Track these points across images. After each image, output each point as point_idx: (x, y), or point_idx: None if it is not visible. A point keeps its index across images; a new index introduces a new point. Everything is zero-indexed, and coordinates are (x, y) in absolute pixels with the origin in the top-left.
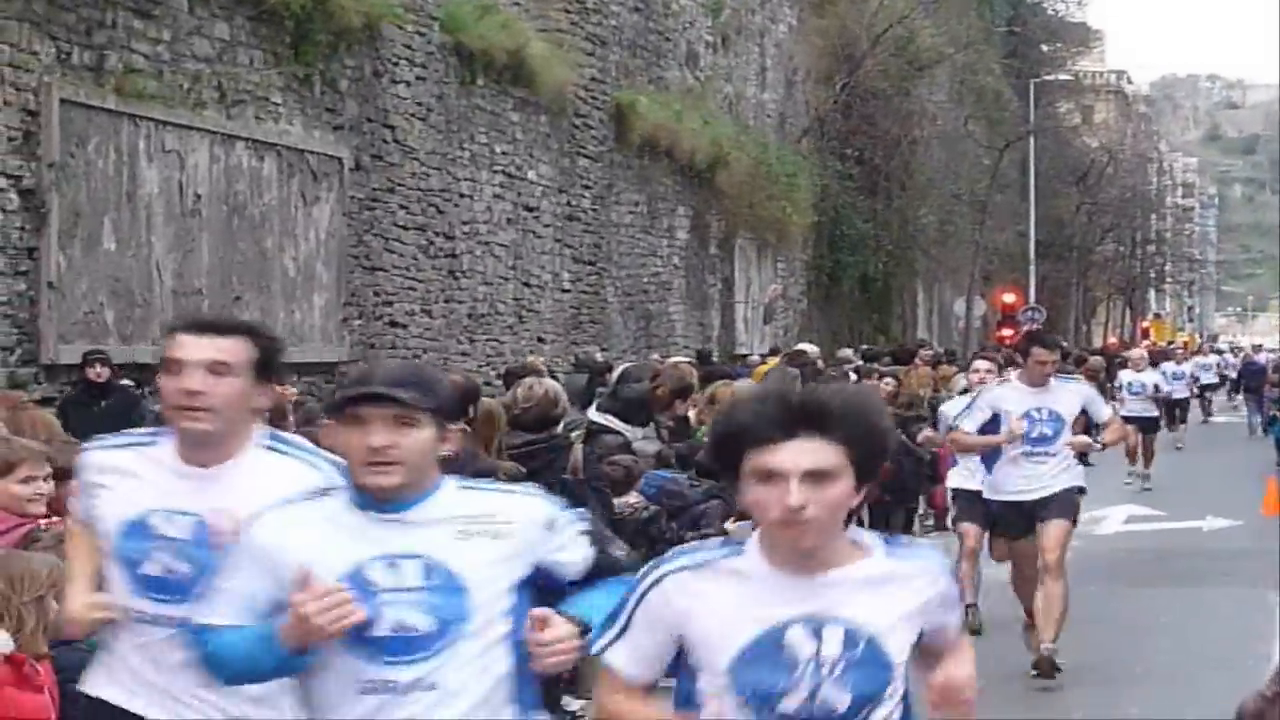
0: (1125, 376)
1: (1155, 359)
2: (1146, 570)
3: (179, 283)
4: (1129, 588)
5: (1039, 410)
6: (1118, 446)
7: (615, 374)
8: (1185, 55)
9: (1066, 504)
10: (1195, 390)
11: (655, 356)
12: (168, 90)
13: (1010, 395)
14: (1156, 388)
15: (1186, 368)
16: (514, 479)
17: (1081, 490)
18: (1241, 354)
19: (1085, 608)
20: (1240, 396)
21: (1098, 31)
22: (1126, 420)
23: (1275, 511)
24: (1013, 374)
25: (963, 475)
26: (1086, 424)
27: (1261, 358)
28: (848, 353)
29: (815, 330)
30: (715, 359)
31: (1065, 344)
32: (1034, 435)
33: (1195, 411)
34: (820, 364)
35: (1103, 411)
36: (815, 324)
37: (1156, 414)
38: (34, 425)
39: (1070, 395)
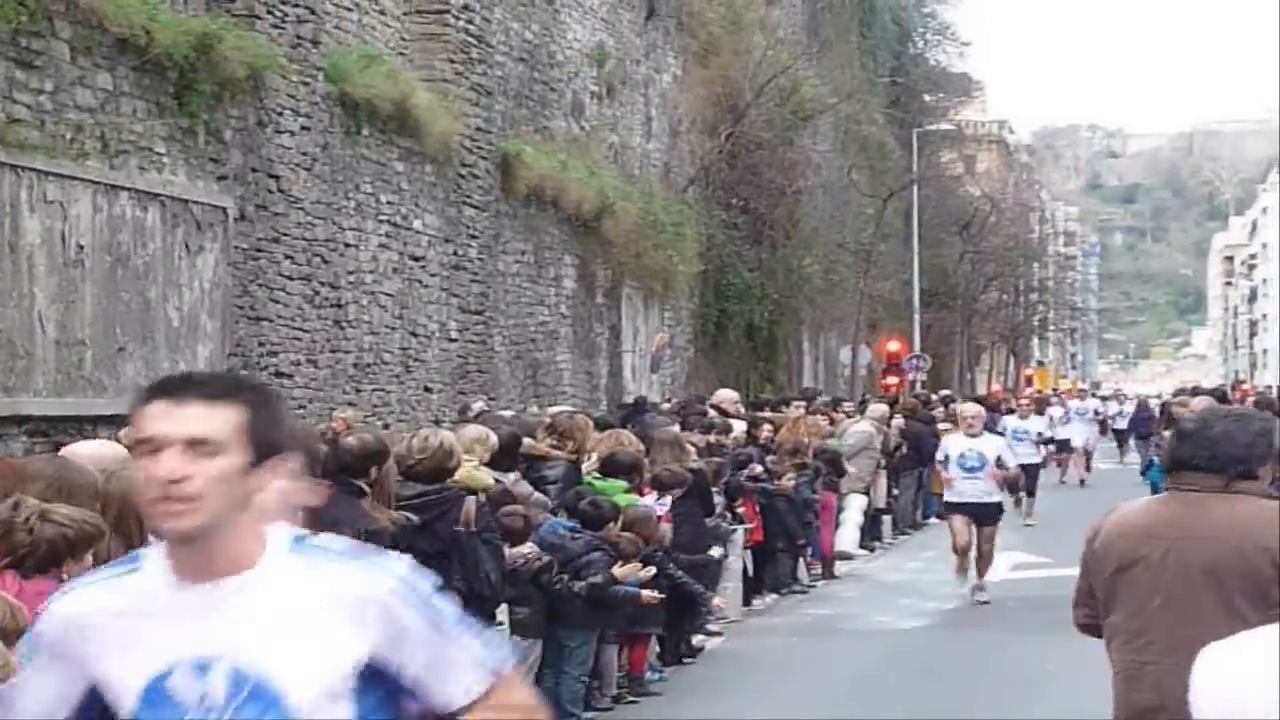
0: (1009, 423)
1: (1040, 406)
2: (1033, 618)
3: (62, 334)
4: (1016, 635)
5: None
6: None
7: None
8: (1065, 105)
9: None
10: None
11: (535, 409)
12: (50, 140)
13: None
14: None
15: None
16: (405, 530)
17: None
18: (1134, 400)
19: (971, 656)
20: (1131, 443)
21: (979, 82)
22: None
23: None
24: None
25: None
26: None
27: (1154, 404)
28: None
29: (703, 379)
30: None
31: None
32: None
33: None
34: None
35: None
36: (703, 372)
37: (1039, 460)
38: None
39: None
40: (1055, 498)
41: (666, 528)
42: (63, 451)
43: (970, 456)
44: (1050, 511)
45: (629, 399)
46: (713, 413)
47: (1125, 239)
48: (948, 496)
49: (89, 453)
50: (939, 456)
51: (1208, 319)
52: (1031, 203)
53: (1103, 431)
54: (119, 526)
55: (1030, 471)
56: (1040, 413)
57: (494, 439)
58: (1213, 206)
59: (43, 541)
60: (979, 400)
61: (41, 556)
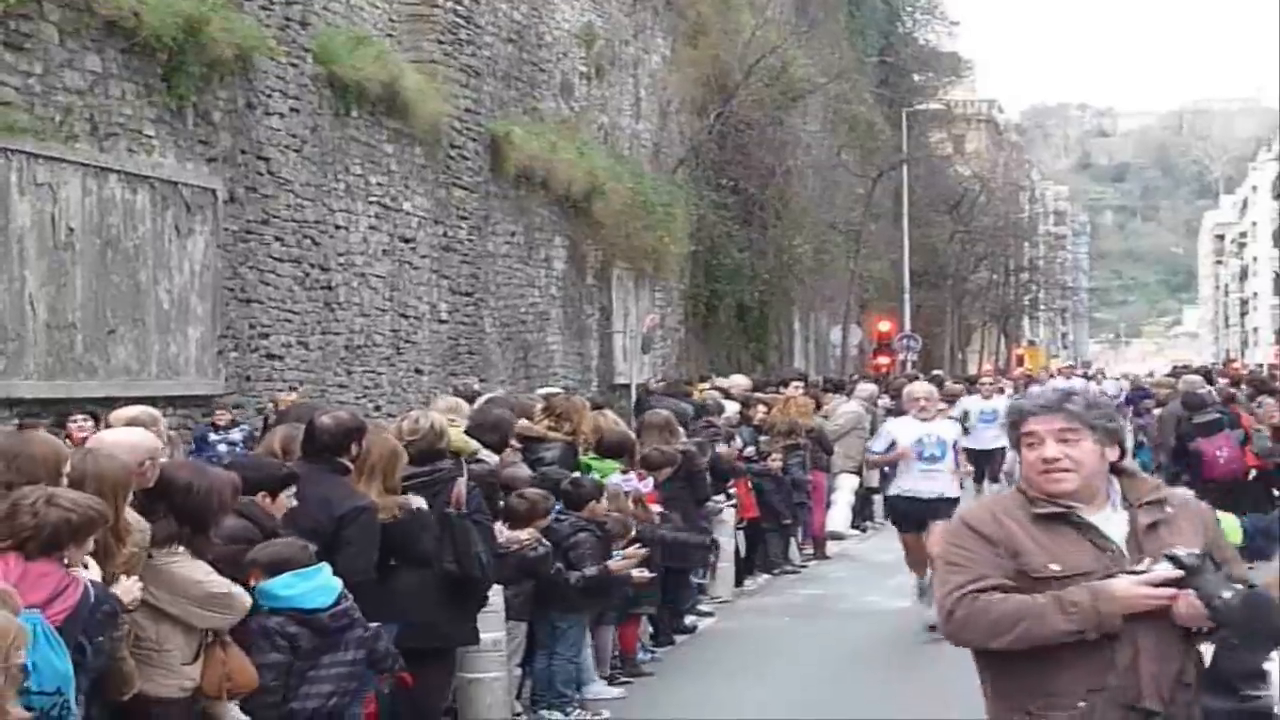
0: (972, 404)
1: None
2: None
3: (53, 317)
4: None
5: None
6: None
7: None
8: (1055, 84)
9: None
10: None
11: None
12: (39, 123)
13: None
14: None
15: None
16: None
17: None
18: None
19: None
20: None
21: (969, 61)
22: (970, 451)
23: None
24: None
25: None
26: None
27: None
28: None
29: (693, 359)
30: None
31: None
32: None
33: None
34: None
35: None
36: (693, 353)
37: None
38: None
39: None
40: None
41: (655, 508)
42: (93, 439)
43: (929, 443)
44: None
45: (620, 380)
46: (714, 394)
47: (1115, 218)
48: (894, 489)
49: (117, 440)
50: (875, 446)
51: (1198, 297)
52: (1021, 182)
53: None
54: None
55: (995, 457)
56: (1004, 392)
57: (465, 406)
58: (1203, 185)
59: (47, 525)
60: (969, 380)
61: (44, 540)
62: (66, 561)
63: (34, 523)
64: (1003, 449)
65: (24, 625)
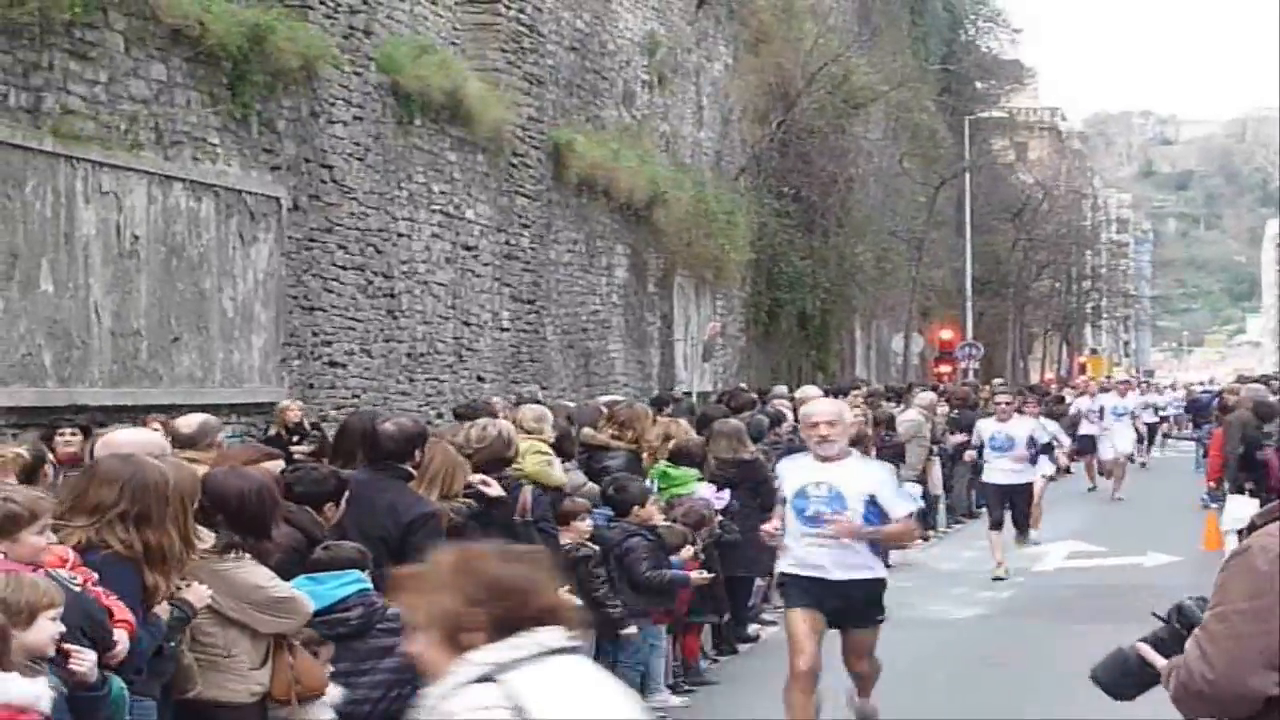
0: (984, 427)
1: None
2: (1089, 606)
3: (117, 324)
4: (1071, 624)
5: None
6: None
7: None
8: (1118, 92)
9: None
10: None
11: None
12: (104, 131)
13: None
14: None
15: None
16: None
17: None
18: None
19: (1027, 645)
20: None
21: (1031, 69)
22: (987, 486)
23: (1216, 546)
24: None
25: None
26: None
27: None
28: (781, 389)
29: (754, 367)
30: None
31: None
32: None
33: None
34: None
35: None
36: (754, 361)
37: (1027, 480)
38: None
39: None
40: (1105, 484)
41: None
42: (101, 439)
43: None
44: (1104, 501)
45: (681, 388)
46: (779, 404)
47: (1178, 226)
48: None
49: (126, 439)
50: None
51: (1262, 306)
52: (1084, 190)
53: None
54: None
55: (1019, 495)
56: (1024, 411)
57: (552, 417)
58: (1266, 193)
59: None
60: (1031, 389)
61: None
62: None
63: None
64: (1028, 484)
65: (58, 590)
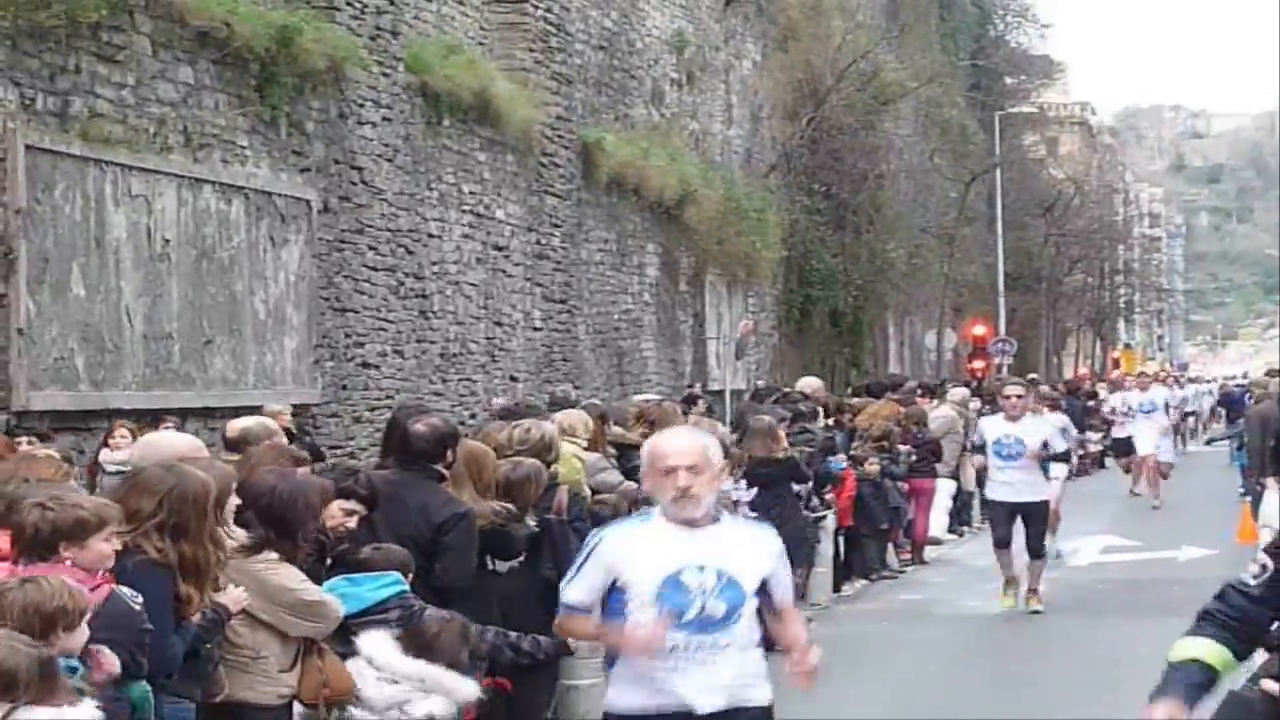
0: (989, 429)
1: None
2: (1123, 601)
3: (149, 327)
4: (1106, 619)
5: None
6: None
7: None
8: (1148, 86)
9: None
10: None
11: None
12: (133, 134)
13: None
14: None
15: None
16: (505, 519)
17: None
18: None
19: (1062, 640)
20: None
21: (1060, 64)
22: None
23: (1250, 539)
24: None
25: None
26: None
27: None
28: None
29: (787, 365)
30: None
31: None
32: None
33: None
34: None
35: None
36: (787, 359)
37: (1040, 498)
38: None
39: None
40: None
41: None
42: (142, 440)
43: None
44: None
45: (714, 386)
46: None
47: (1210, 220)
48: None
49: (165, 443)
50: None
51: None
52: (1115, 184)
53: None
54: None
55: (1035, 513)
56: (1037, 409)
57: (590, 422)
58: None
59: (44, 525)
60: (1065, 384)
61: (42, 542)
62: (68, 562)
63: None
64: (1044, 501)
65: (86, 597)
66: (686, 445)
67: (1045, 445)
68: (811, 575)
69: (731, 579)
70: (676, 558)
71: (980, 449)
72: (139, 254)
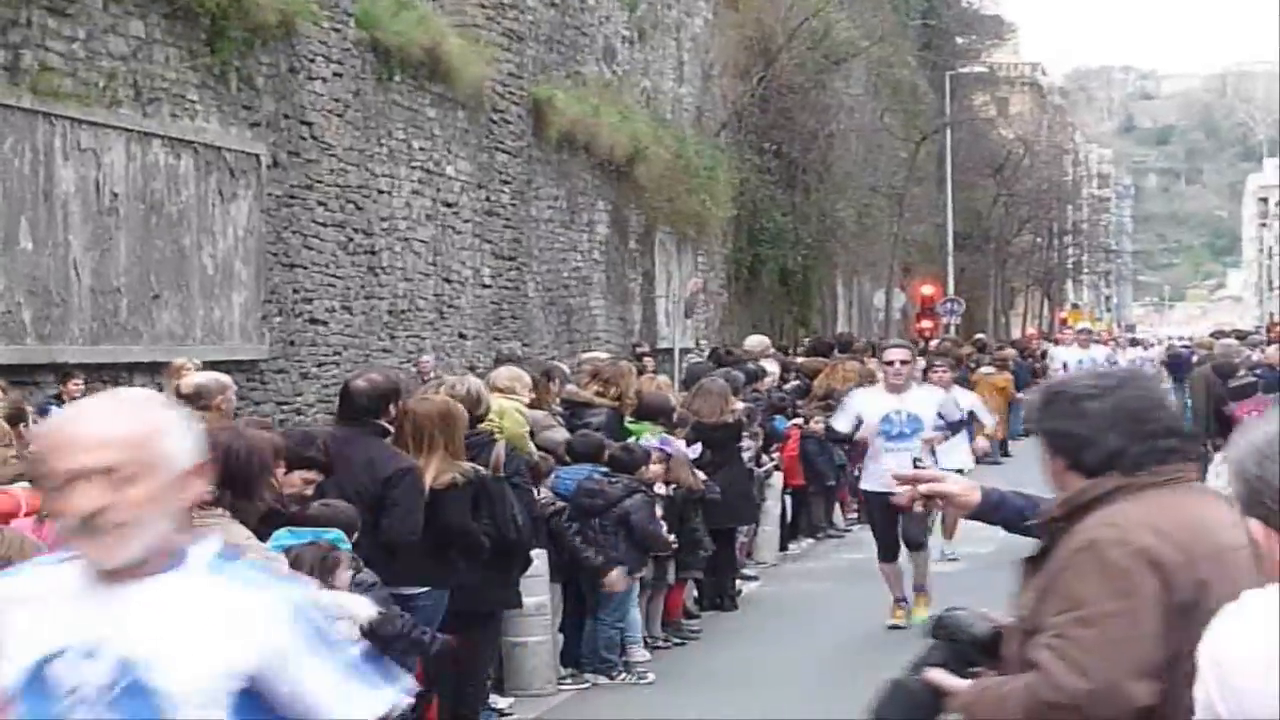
0: (868, 404)
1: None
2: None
3: (97, 281)
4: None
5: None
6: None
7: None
8: (1098, 46)
9: None
10: None
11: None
12: (83, 88)
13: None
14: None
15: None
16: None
17: None
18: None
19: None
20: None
21: (1012, 24)
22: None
23: None
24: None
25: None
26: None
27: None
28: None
29: (736, 323)
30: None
31: (984, 337)
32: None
33: None
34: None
35: None
36: (736, 317)
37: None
38: None
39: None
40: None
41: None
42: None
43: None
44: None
45: (663, 344)
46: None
47: (1159, 181)
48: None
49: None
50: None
51: (1242, 260)
52: (1065, 145)
53: None
54: None
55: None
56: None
57: (527, 378)
58: (1247, 148)
59: None
60: (1014, 344)
61: None
62: None
63: None
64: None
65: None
66: (100, 433)
67: (941, 418)
68: (759, 533)
69: (138, 680)
70: (57, 634)
71: (847, 437)
72: (87, 208)
